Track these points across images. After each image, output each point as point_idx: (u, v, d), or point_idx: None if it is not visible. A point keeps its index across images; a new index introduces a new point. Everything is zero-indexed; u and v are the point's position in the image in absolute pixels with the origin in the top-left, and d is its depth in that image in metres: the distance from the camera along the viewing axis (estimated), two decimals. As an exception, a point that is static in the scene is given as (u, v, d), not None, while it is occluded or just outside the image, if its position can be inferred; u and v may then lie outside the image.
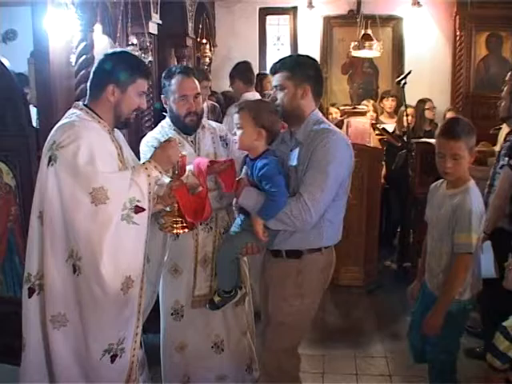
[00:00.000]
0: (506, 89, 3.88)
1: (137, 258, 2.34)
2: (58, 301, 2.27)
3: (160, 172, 2.40)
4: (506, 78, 4.08)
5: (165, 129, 3.05)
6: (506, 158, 3.61)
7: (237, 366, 3.19)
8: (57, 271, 2.26)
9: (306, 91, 2.62)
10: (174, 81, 2.95)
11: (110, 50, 2.56)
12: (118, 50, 2.60)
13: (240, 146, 2.62)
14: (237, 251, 2.74)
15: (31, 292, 2.33)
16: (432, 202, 2.88)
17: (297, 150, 2.62)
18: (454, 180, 2.73)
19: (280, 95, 2.64)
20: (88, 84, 2.47)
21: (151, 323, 2.99)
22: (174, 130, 3.03)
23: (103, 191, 2.21)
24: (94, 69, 2.45)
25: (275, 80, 2.67)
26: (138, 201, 2.29)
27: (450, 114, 6.36)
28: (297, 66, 2.64)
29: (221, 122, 4.64)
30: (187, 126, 2.99)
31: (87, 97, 2.46)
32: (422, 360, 2.93)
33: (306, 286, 2.68)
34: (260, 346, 2.95)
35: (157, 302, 3.07)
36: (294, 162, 2.61)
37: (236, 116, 2.60)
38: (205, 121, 3.16)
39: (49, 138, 2.33)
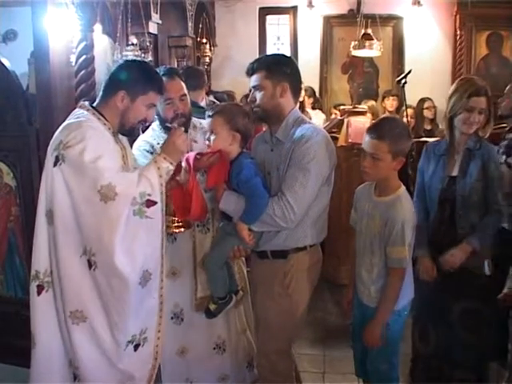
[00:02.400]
0: (509, 86, 3.88)
1: (153, 251, 2.35)
2: (74, 297, 2.30)
3: (171, 163, 2.40)
4: None
5: (156, 132, 3.00)
6: (504, 157, 3.62)
7: (238, 364, 3.17)
8: (71, 267, 2.28)
9: (285, 89, 2.61)
10: None
11: (131, 58, 2.56)
12: (139, 59, 2.60)
13: (214, 151, 2.60)
14: (224, 257, 2.75)
15: (40, 289, 2.34)
16: (360, 207, 2.77)
17: (278, 150, 2.62)
18: (383, 186, 2.64)
19: (259, 95, 2.63)
20: (102, 87, 2.47)
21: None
22: (165, 132, 2.96)
23: (111, 187, 2.22)
24: (111, 72, 2.47)
25: (253, 81, 2.65)
26: (148, 194, 2.29)
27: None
28: (273, 65, 2.62)
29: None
30: None
31: (98, 98, 2.46)
32: (364, 372, 2.85)
33: (293, 285, 2.67)
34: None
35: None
36: (276, 161, 2.61)
37: (209, 121, 2.59)
38: (196, 120, 3.11)
39: (54, 137, 2.34)
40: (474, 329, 2.95)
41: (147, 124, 2.62)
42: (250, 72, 2.66)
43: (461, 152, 3.01)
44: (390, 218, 2.53)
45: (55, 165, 2.25)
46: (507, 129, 3.79)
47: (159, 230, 2.35)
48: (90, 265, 2.27)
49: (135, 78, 2.40)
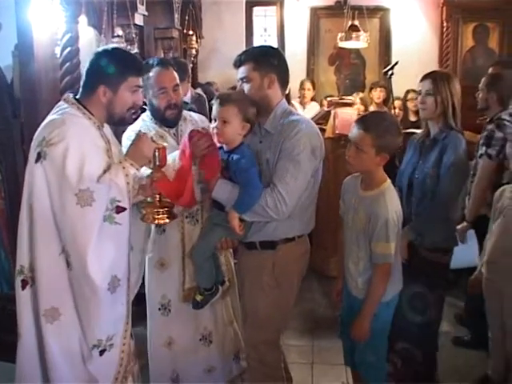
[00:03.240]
0: (483, 80, 3.95)
1: (121, 256, 2.35)
2: (51, 295, 2.28)
3: (137, 169, 2.39)
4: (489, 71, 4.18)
5: (146, 122, 3.00)
6: (484, 148, 3.66)
7: (224, 356, 3.18)
8: (49, 265, 2.26)
9: (272, 80, 2.62)
10: (152, 74, 2.90)
11: (101, 48, 2.52)
12: (109, 46, 2.57)
13: (223, 140, 2.59)
14: (211, 248, 2.75)
15: (24, 284, 2.32)
16: (347, 199, 2.79)
17: (267, 141, 2.62)
18: (368, 180, 2.66)
19: (246, 87, 2.63)
20: (81, 82, 2.43)
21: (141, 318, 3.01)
22: (156, 123, 2.99)
23: (89, 193, 2.21)
24: (86, 67, 2.42)
25: (240, 72, 2.65)
26: (118, 201, 2.29)
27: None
28: (261, 57, 2.63)
29: (206, 112, 4.62)
30: (168, 119, 2.95)
31: (80, 91, 2.42)
32: (353, 361, 2.89)
33: (282, 276, 2.68)
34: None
35: (143, 296, 3.07)
36: (265, 153, 2.62)
37: (220, 109, 2.56)
38: (186, 113, 3.13)
39: (37, 132, 2.31)
40: (419, 312, 3.06)
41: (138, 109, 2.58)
42: (238, 64, 2.66)
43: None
44: (374, 214, 2.55)
45: (37, 161, 2.23)
46: (487, 120, 3.84)
47: (127, 236, 2.35)
48: (67, 264, 2.26)
49: (110, 68, 2.35)
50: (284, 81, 2.71)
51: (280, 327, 2.87)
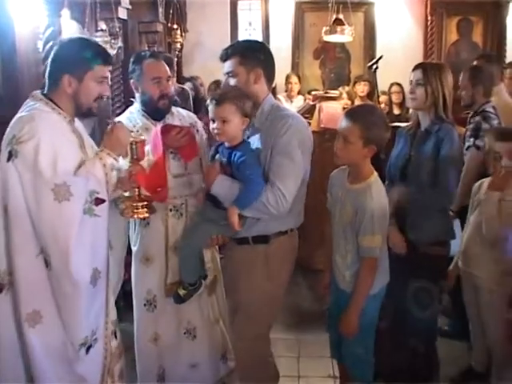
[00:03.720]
0: (463, 76, 3.96)
1: (101, 249, 2.35)
2: (31, 298, 2.24)
3: (114, 158, 2.36)
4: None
5: (133, 114, 3.02)
6: (472, 139, 3.68)
7: (210, 354, 3.17)
8: (27, 268, 2.22)
9: (259, 75, 2.61)
10: (145, 65, 2.94)
11: (65, 38, 2.48)
12: (74, 36, 2.53)
13: (225, 139, 2.55)
14: (201, 243, 2.74)
15: (0, 289, 2.27)
16: (334, 192, 2.79)
17: (256, 137, 2.61)
18: (355, 173, 2.67)
19: (232, 81, 2.62)
20: (46, 74, 2.38)
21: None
22: (143, 115, 3.00)
23: (66, 187, 2.18)
24: (50, 58, 2.38)
25: (226, 67, 2.64)
26: (97, 192, 2.27)
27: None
28: (247, 51, 2.62)
29: (190, 106, 4.61)
30: (160, 109, 2.98)
31: (46, 86, 2.38)
32: (340, 355, 2.89)
33: (274, 269, 2.69)
34: (232, 334, 2.97)
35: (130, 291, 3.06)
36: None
37: (216, 109, 2.51)
38: (173, 108, 3.15)
39: (8, 131, 2.26)
40: (424, 306, 3.06)
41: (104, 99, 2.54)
42: (224, 58, 2.64)
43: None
44: (360, 207, 2.55)
45: (8, 160, 2.18)
46: (471, 114, 3.88)
47: (105, 227, 2.34)
48: (46, 264, 2.23)
49: (75, 56, 2.31)
50: (270, 75, 2.70)
51: (271, 320, 2.87)
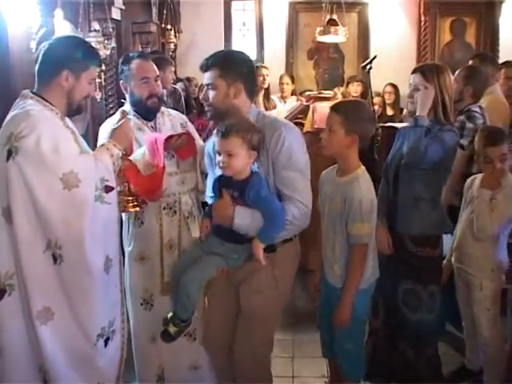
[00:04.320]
0: (459, 72, 3.97)
1: (112, 236, 2.38)
2: (41, 295, 2.25)
3: (120, 150, 2.42)
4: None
5: None
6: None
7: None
8: (35, 265, 2.22)
9: (239, 90, 2.55)
10: (133, 65, 2.96)
11: (62, 35, 2.52)
12: (70, 34, 2.57)
13: (231, 172, 2.46)
14: (207, 277, 2.62)
15: (2, 294, 2.26)
16: (324, 190, 2.83)
17: None
18: (342, 167, 2.73)
19: (211, 94, 2.56)
20: (36, 69, 2.40)
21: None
22: (134, 115, 3.02)
23: (73, 174, 2.20)
24: (43, 53, 2.39)
25: (206, 78, 2.57)
26: (106, 180, 2.31)
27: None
28: (229, 64, 2.55)
29: (182, 107, 4.62)
30: (149, 109, 3.00)
31: (36, 83, 2.40)
32: (332, 353, 2.92)
33: (281, 276, 2.66)
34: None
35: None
36: None
37: (224, 142, 2.41)
38: (163, 108, 3.17)
39: (2, 130, 2.27)
40: (414, 308, 3.07)
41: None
42: (204, 69, 2.57)
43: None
44: (348, 197, 2.61)
45: (8, 159, 2.17)
46: (457, 112, 3.89)
47: (116, 215, 2.39)
48: (54, 259, 2.23)
49: (75, 54, 2.36)
50: (251, 91, 2.64)
51: (276, 325, 2.87)
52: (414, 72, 3.08)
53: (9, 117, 2.30)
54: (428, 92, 2.95)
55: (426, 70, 3.02)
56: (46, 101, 2.35)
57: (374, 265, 2.78)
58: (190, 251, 2.74)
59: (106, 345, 2.36)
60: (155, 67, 3.04)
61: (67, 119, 2.47)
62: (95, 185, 2.27)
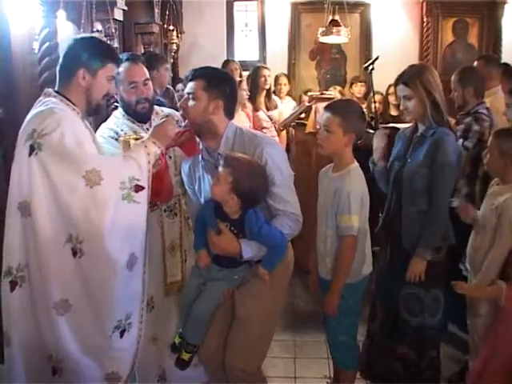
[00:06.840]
0: (454, 78, 3.96)
1: (139, 235, 2.40)
2: (59, 287, 2.28)
3: (159, 147, 2.46)
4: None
5: (119, 119, 3.00)
6: (461, 140, 3.68)
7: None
8: (54, 258, 2.26)
9: (218, 107, 2.58)
10: (122, 69, 2.88)
11: (79, 35, 2.56)
12: (87, 34, 2.61)
13: (227, 209, 2.55)
14: (216, 303, 2.69)
15: (13, 285, 2.30)
16: (321, 187, 2.94)
17: None
18: (337, 163, 2.83)
19: (190, 103, 2.58)
20: (58, 68, 2.44)
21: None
22: (128, 119, 2.99)
23: (96, 172, 2.23)
24: (63, 53, 2.44)
25: (189, 87, 2.60)
26: (137, 179, 2.34)
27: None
28: (215, 80, 2.59)
29: (175, 105, 4.60)
30: (139, 113, 2.96)
31: (57, 83, 2.44)
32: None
33: (276, 281, 2.67)
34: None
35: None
36: None
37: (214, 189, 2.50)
38: (157, 108, 3.15)
39: (24, 127, 2.29)
40: (416, 313, 3.04)
41: (112, 102, 2.61)
42: (190, 78, 2.60)
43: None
44: (338, 189, 2.71)
45: (30, 154, 2.21)
46: (463, 114, 3.88)
47: (145, 214, 2.40)
48: (74, 253, 2.26)
49: (91, 53, 2.40)
50: (230, 111, 2.66)
51: (274, 327, 2.88)
52: (396, 84, 3.03)
53: (31, 113, 2.33)
54: (417, 99, 2.92)
55: (407, 79, 2.95)
56: (68, 100, 2.39)
57: (367, 260, 2.88)
58: (193, 281, 2.77)
59: (121, 336, 2.40)
60: (145, 70, 2.97)
61: (86, 121, 2.50)
62: (121, 183, 2.29)
